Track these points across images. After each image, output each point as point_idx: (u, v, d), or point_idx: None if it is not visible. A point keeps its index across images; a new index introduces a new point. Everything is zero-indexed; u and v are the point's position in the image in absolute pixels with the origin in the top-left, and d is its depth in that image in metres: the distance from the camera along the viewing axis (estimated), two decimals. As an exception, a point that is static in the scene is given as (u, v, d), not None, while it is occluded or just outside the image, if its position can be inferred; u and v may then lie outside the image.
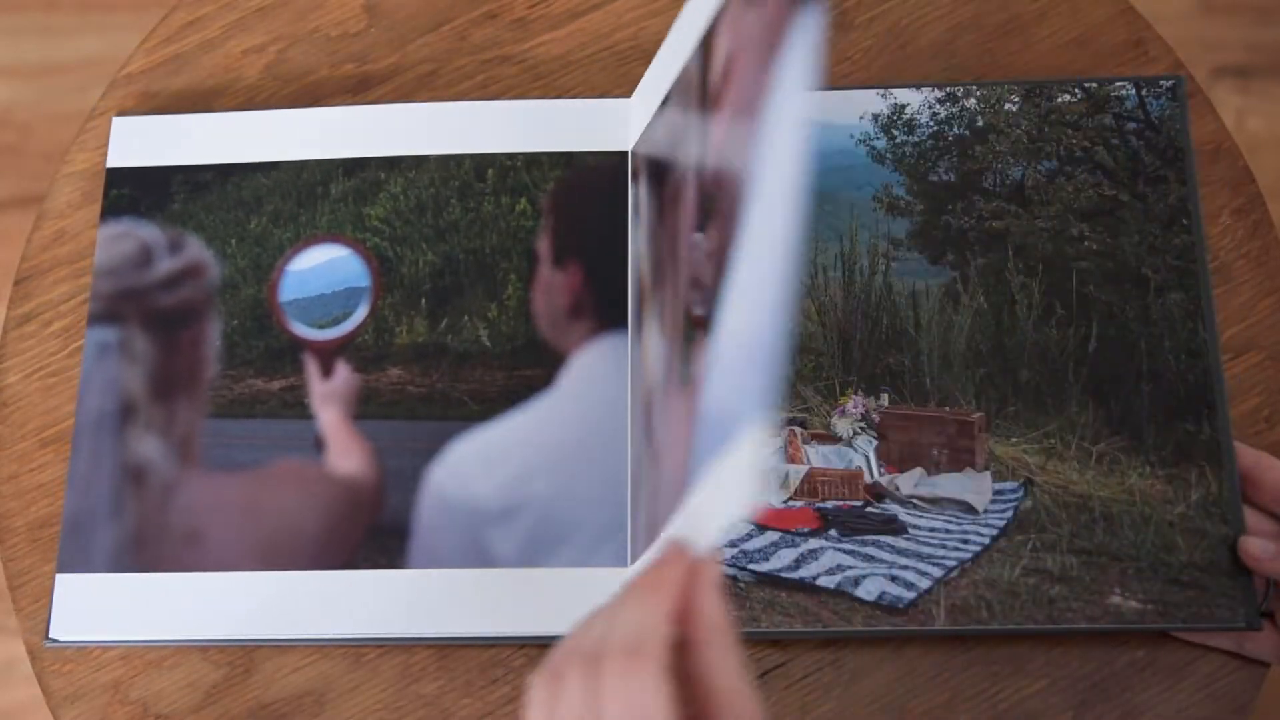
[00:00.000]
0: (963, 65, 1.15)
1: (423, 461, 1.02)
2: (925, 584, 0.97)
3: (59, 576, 1.01)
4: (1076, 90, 1.10)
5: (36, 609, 1.03)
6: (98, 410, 1.04)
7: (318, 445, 1.04)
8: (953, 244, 1.07)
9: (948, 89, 1.11)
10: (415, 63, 1.17)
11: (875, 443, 1.05)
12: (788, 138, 0.69)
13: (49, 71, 2.16)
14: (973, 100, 1.10)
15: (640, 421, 0.99)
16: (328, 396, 1.05)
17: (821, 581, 0.98)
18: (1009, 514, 1.00)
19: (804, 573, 0.98)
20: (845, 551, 1.00)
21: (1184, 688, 0.99)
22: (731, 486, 0.68)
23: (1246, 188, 1.11)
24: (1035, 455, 1.02)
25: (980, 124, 1.10)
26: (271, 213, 1.11)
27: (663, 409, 0.93)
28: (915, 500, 1.03)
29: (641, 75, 1.08)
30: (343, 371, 1.06)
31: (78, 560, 1.00)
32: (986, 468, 1.02)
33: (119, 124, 1.14)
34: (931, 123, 1.10)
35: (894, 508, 1.02)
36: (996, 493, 1.01)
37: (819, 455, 1.05)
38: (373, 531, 1.01)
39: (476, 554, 0.99)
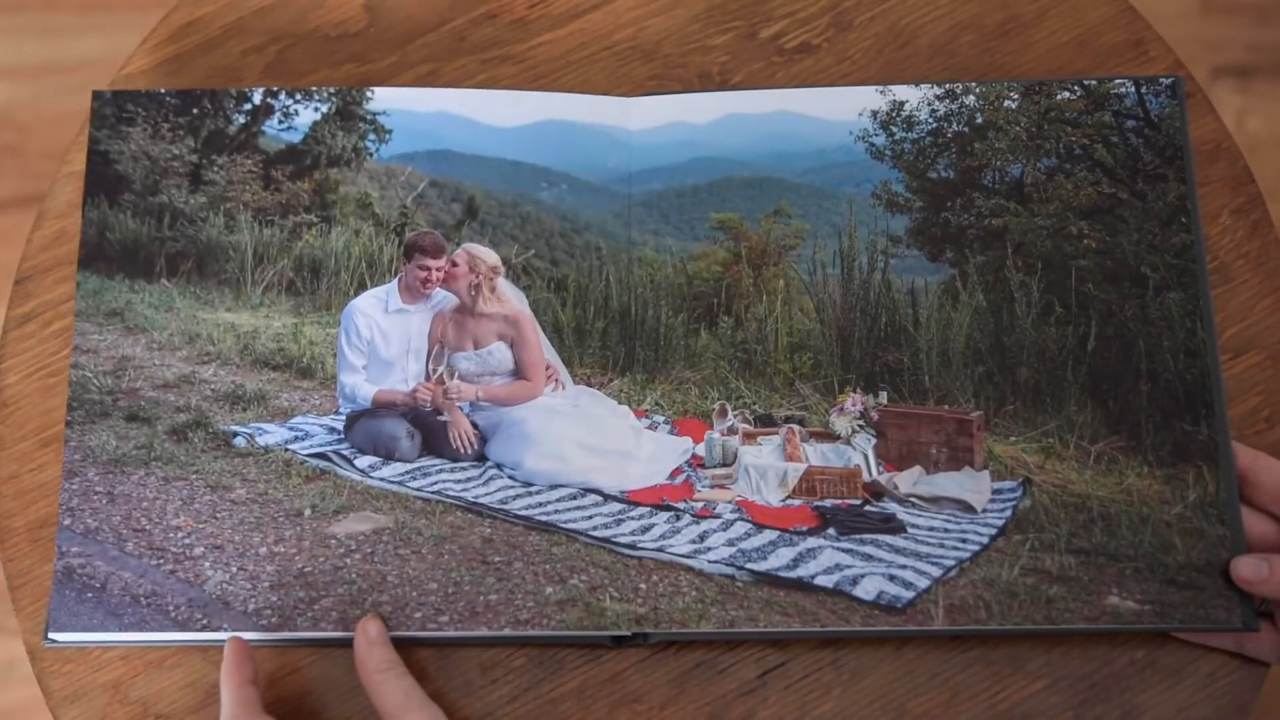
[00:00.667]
0: (962, 65, 1.15)
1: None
2: (924, 583, 0.97)
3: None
4: (1076, 87, 1.10)
5: (36, 609, 1.03)
6: None
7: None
8: (952, 241, 1.07)
9: (947, 86, 1.11)
10: (415, 63, 1.17)
11: (874, 441, 1.05)
12: None
13: (49, 71, 2.16)
14: (972, 97, 1.10)
15: None
16: None
17: (819, 581, 0.98)
18: (1008, 513, 1.00)
19: (802, 572, 0.98)
20: (843, 550, 1.00)
21: (1184, 688, 0.99)
22: None
23: (1246, 188, 1.11)
24: (1034, 454, 1.02)
25: (979, 121, 1.10)
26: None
27: None
28: (914, 499, 1.03)
29: (641, 75, 1.08)
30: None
31: None
32: (985, 466, 1.02)
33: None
34: (930, 119, 1.10)
35: (892, 506, 1.02)
36: (995, 492, 1.01)
37: (817, 453, 1.05)
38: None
39: None
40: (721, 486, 1.05)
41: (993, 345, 1.04)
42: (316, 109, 1.14)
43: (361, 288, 1.15)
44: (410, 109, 1.13)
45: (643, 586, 0.99)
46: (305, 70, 1.17)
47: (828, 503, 1.02)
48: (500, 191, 1.15)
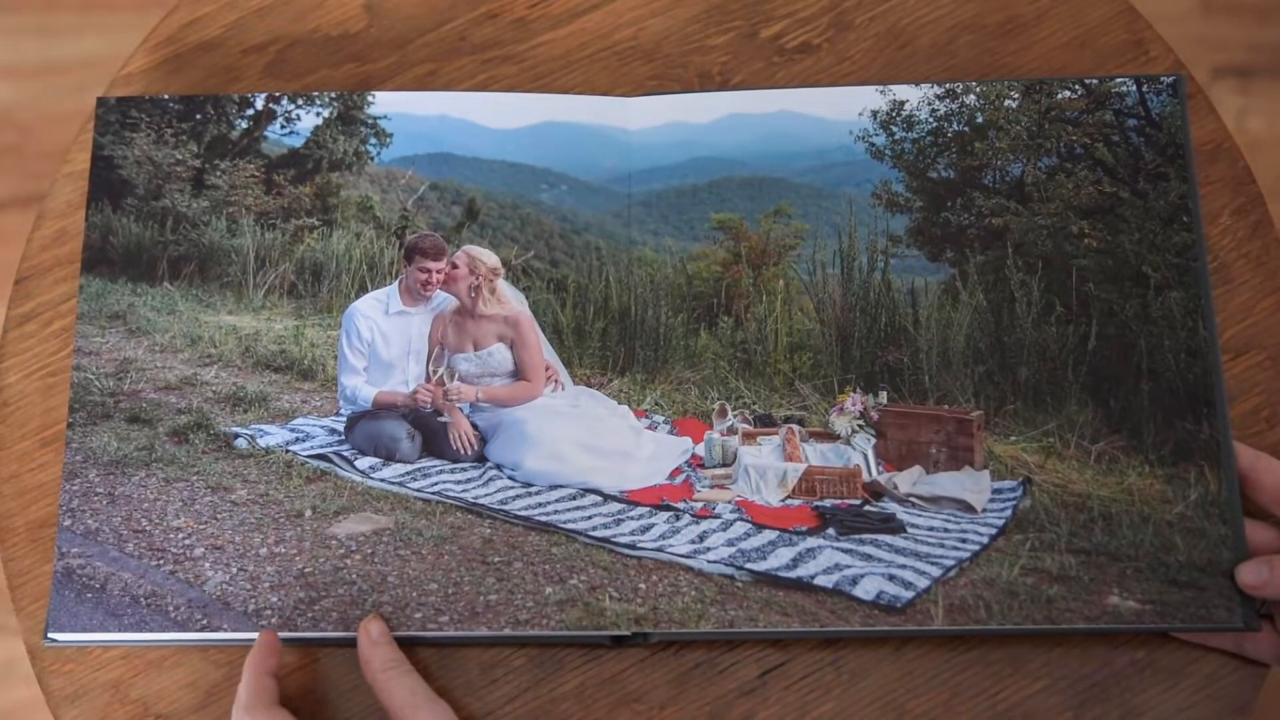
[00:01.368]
0: (962, 66, 1.15)
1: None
2: (923, 583, 0.97)
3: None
4: (1077, 86, 1.10)
5: (36, 609, 1.03)
6: None
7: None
8: (952, 241, 1.07)
9: (947, 85, 1.11)
10: (415, 63, 1.17)
11: (873, 441, 1.05)
12: None
13: (49, 71, 2.16)
14: (972, 96, 1.10)
15: None
16: None
17: (819, 581, 0.98)
18: (1008, 513, 1.00)
19: (801, 572, 0.98)
20: (843, 550, 1.00)
21: (1184, 688, 0.99)
22: None
23: (1246, 188, 1.11)
24: (1034, 454, 1.02)
25: (980, 120, 1.10)
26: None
27: None
28: (913, 499, 1.03)
29: (641, 75, 1.08)
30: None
31: None
32: (985, 466, 1.02)
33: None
34: (931, 119, 1.10)
35: (892, 506, 1.02)
36: (995, 491, 1.01)
37: (817, 453, 1.05)
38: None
39: None
40: (721, 486, 1.05)
41: (993, 345, 1.04)
42: (318, 114, 1.14)
43: (362, 290, 1.15)
44: (411, 112, 1.13)
45: (642, 586, 0.99)
46: (305, 70, 1.17)
47: (827, 503, 1.02)
48: (500, 193, 1.15)
